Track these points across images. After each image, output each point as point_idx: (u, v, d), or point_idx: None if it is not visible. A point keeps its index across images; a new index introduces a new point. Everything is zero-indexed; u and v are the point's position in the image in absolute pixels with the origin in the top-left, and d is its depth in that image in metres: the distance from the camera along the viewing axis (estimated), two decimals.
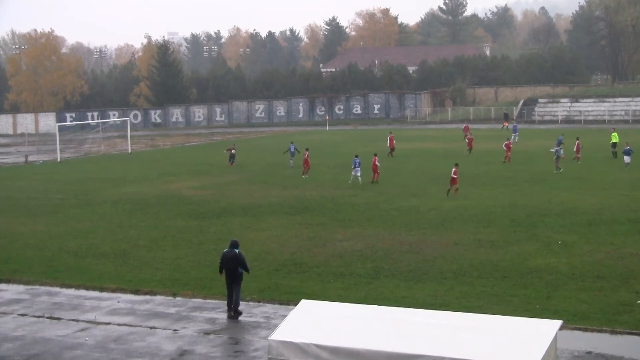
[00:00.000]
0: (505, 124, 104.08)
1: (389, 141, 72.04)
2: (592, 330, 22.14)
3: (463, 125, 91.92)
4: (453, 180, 46.32)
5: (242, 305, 25.74)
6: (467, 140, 71.63)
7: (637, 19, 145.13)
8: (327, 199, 47.28)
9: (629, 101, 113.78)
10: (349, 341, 15.17)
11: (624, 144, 58.68)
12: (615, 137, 64.80)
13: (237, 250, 24.76)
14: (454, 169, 46.52)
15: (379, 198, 46.92)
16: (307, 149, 60.29)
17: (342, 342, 15.19)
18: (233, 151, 68.52)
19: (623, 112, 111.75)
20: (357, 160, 53.50)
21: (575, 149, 60.94)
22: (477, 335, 15.01)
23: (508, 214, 40.02)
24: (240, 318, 24.45)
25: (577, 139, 62.40)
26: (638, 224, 36.60)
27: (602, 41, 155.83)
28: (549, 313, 22.78)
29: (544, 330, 15.19)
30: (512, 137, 78.63)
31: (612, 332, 22.01)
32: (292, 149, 65.48)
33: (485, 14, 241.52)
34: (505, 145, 62.78)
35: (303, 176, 57.67)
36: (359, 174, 53.18)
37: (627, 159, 56.64)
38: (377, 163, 54.09)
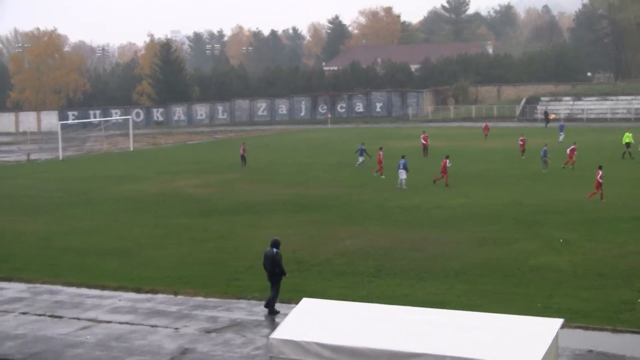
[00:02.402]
0: (552, 116, 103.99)
1: (422, 140, 70.06)
2: (594, 329, 22.11)
3: (483, 124, 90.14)
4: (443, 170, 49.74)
5: (244, 304, 25.75)
6: (520, 143, 66.09)
7: None
8: (330, 197, 47.29)
9: (632, 99, 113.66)
10: (350, 340, 15.15)
11: None
12: (628, 137, 63.85)
13: (275, 250, 24.65)
14: (444, 160, 49.83)
15: (382, 196, 46.91)
16: (380, 148, 58.00)
17: (343, 340, 15.17)
18: (243, 152, 67.19)
19: (625, 110, 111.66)
20: (403, 161, 50.15)
21: (569, 153, 57.74)
22: (478, 334, 14.98)
23: (510, 212, 40.00)
24: (242, 316, 24.42)
25: (575, 143, 59.18)
26: (638, 221, 36.56)
27: (605, 39, 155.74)
28: (550, 311, 22.75)
29: (546, 328, 15.16)
30: (559, 136, 78.07)
31: (614, 331, 21.98)
32: (362, 149, 62.28)
33: (488, 12, 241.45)
34: (570, 150, 57.77)
35: (377, 174, 55.47)
36: (404, 176, 49.86)
37: None
38: (381, 158, 55.24)
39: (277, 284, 24.56)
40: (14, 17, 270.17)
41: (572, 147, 57.35)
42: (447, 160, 50.36)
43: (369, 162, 60.23)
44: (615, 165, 57.73)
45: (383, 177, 54.61)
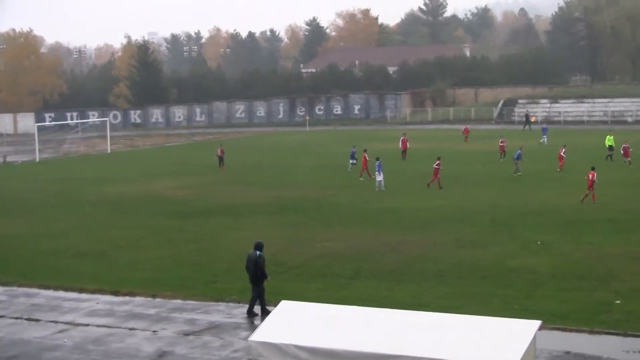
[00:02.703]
0: (533, 118, 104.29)
1: (401, 143, 69.27)
2: (571, 330, 22.21)
3: (463, 127, 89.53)
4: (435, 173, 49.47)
5: (222, 306, 25.72)
6: (500, 145, 66.03)
7: (616, 20, 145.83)
8: (309, 199, 47.29)
9: (608, 102, 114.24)
10: (329, 342, 15.16)
11: None
12: (610, 140, 63.72)
13: (258, 253, 24.63)
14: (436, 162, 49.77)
15: (360, 198, 46.95)
16: (365, 150, 57.45)
17: (321, 342, 15.17)
18: (220, 153, 67.27)
19: (602, 113, 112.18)
20: (378, 163, 50.39)
21: (558, 157, 57.99)
22: (457, 336, 15.02)
23: (488, 214, 40.12)
24: (220, 319, 24.38)
25: (564, 146, 58.95)
26: (617, 223, 36.79)
27: (581, 42, 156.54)
28: (528, 313, 22.82)
29: (523, 330, 15.22)
30: (543, 139, 78.02)
31: (591, 332, 22.09)
32: (353, 152, 61.08)
33: (466, 14, 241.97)
34: (561, 153, 57.97)
35: (360, 178, 55.24)
36: (380, 178, 49.76)
37: None
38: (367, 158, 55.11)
39: (260, 286, 24.49)
40: None
41: (562, 149, 57.65)
42: (439, 162, 50.30)
43: (391, 161, 60.51)
44: (589, 167, 57.89)
45: (361, 179, 54.65)
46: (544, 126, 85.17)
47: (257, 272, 24.40)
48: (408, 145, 69.13)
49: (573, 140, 72.03)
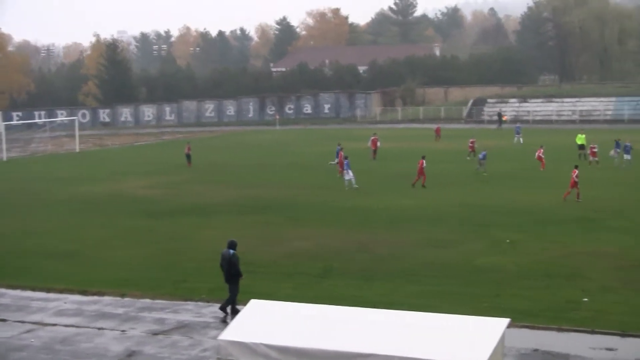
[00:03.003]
0: (505, 117, 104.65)
1: (371, 142, 68.91)
2: (539, 328, 22.35)
3: (435, 127, 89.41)
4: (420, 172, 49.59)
5: (191, 305, 25.64)
6: (470, 145, 66.34)
7: (584, 21, 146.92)
8: (278, 198, 47.25)
9: (576, 101, 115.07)
10: (299, 340, 15.15)
11: (626, 141, 58.88)
12: (581, 139, 63.88)
13: (232, 252, 24.51)
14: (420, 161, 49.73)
15: (331, 197, 46.97)
16: (341, 149, 58.37)
17: (291, 341, 15.16)
18: (188, 151, 68.00)
19: (570, 112, 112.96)
20: (346, 162, 50.79)
21: (537, 157, 58.13)
22: (426, 334, 15.06)
23: (458, 213, 40.29)
24: (189, 318, 24.30)
25: (542, 146, 58.99)
26: (585, 222, 37.08)
27: (549, 42, 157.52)
28: (497, 311, 22.91)
29: (492, 328, 15.29)
30: (517, 139, 78.05)
31: (559, 330, 22.24)
32: (339, 149, 60.09)
33: (435, 14, 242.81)
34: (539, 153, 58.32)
35: (338, 176, 55.07)
36: (350, 176, 49.84)
37: (627, 156, 57.48)
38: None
39: (235, 285, 24.42)
40: None
41: (540, 150, 57.85)
42: (424, 161, 50.19)
43: (362, 160, 60.46)
44: (563, 166, 58.35)
45: (339, 176, 54.83)
46: (517, 125, 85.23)
47: (231, 270, 24.33)
48: (379, 145, 68.91)
49: (543, 140, 72.29)
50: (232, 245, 24.68)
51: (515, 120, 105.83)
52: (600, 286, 26.23)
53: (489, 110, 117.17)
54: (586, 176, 52.86)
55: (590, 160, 57.88)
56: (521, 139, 77.60)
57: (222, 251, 24.89)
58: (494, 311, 22.88)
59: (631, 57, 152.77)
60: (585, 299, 24.76)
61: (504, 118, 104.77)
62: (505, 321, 15.67)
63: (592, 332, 21.95)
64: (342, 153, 55.93)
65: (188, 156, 67.22)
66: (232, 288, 24.33)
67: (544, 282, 26.88)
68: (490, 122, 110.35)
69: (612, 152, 57.37)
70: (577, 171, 43.58)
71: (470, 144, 65.89)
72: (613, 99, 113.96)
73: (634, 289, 25.79)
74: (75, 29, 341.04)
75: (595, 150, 58.68)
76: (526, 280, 27.28)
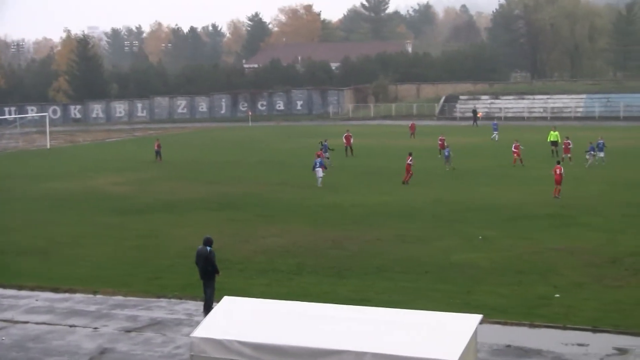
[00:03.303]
0: (480, 114, 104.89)
1: (345, 139, 68.23)
2: (512, 324, 22.47)
3: (410, 123, 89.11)
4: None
5: (164, 302, 25.56)
6: (439, 142, 65.92)
7: (555, 18, 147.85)
8: (250, 195, 47.20)
9: (547, 98, 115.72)
10: (272, 337, 15.14)
11: (599, 138, 59.15)
12: (554, 136, 63.90)
13: (209, 248, 24.24)
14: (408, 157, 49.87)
15: (303, 194, 46.98)
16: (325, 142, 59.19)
17: (264, 338, 15.15)
18: (157, 148, 68.26)
19: (542, 109, 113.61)
20: (319, 160, 50.74)
21: (514, 151, 58.43)
22: (399, 330, 15.09)
23: (430, 210, 40.42)
24: (162, 315, 24.22)
25: (516, 140, 59.55)
26: (557, 218, 37.30)
27: (521, 39, 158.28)
28: (469, 307, 23.03)
29: (465, 324, 15.35)
30: (494, 135, 78.16)
31: (531, 326, 22.36)
32: (326, 145, 59.92)
33: (408, 11, 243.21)
34: (515, 147, 58.63)
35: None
36: (321, 174, 49.92)
37: (601, 154, 57.65)
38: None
39: (211, 282, 24.24)
40: None
41: (515, 144, 58.14)
42: (411, 158, 50.31)
43: (335, 156, 60.34)
44: (534, 163, 58.70)
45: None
46: (494, 122, 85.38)
47: (207, 267, 24.15)
48: (352, 141, 68.79)
49: (516, 136, 72.52)
50: (208, 242, 24.48)
51: (489, 117, 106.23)
52: (572, 282, 26.41)
53: (461, 107, 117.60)
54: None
55: (563, 157, 58.06)
56: (497, 137, 77.90)
57: (198, 248, 24.66)
58: (466, 307, 22.99)
59: (601, 54, 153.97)
60: (557, 295, 24.91)
61: (479, 115, 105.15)
62: (477, 317, 15.74)
63: (564, 328, 22.08)
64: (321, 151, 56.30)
65: (157, 152, 67.87)
66: (209, 285, 24.14)
67: (517, 279, 27.02)
68: (462, 118, 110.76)
69: (587, 156, 57.19)
70: (561, 167, 43.97)
71: (440, 141, 66.08)
72: (584, 96, 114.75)
73: (606, 285, 25.99)
74: (46, 24, 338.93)
75: (570, 147, 58.77)
76: (499, 276, 27.41)
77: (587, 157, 57.00)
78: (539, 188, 46.46)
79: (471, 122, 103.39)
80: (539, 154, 62.29)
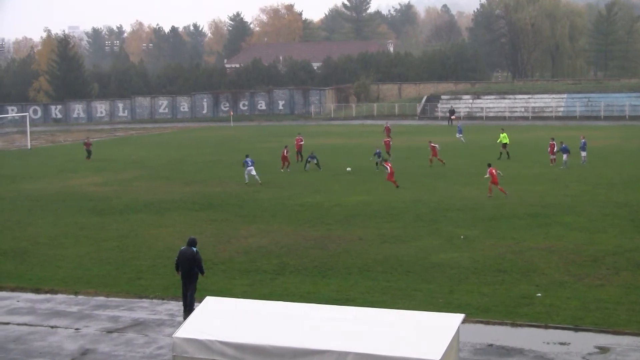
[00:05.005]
0: (453, 117, 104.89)
1: (295, 143, 65.71)
2: (494, 323, 22.53)
3: (384, 125, 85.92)
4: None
5: (146, 303, 25.49)
6: (385, 142, 65.82)
7: (536, 18, 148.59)
8: (231, 195, 47.14)
9: (528, 98, 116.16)
10: (254, 337, 15.13)
11: (581, 137, 59.09)
12: (505, 138, 63.28)
13: (194, 249, 24.06)
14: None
15: (283, 194, 46.96)
16: (286, 146, 59.22)
17: (247, 338, 15.14)
18: (87, 147, 70.35)
19: (523, 109, 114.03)
20: (249, 160, 51.89)
21: (432, 149, 59.04)
22: (381, 330, 15.11)
23: (411, 210, 40.45)
24: (144, 315, 24.15)
25: (428, 143, 60.15)
26: (537, 218, 37.39)
27: (502, 39, 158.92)
28: (451, 307, 23.09)
29: (447, 324, 15.38)
30: (459, 137, 77.64)
31: (513, 325, 22.43)
32: (250, 163, 53.32)
33: (389, 10, 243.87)
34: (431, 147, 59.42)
35: (281, 170, 57.22)
36: (254, 172, 51.39)
37: (583, 154, 57.49)
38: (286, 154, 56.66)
39: (194, 283, 24.11)
40: None
41: (430, 145, 58.45)
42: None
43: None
44: (512, 163, 58.92)
45: (282, 170, 56.63)
46: (459, 124, 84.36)
47: (193, 269, 23.98)
48: (302, 144, 65.08)
49: (490, 137, 72.74)
50: (193, 242, 24.28)
51: (471, 117, 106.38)
52: (554, 281, 26.50)
53: (443, 107, 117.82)
54: (536, 172, 53.52)
55: (552, 158, 57.50)
56: (462, 138, 77.48)
57: (181, 249, 24.45)
58: (448, 307, 23.06)
59: (582, 54, 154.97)
60: (539, 294, 24.99)
61: (453, 118, 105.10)
62: (460, 317, 15.78)
63: (546, 327, 22.17)
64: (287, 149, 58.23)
65: (88, 151, 69.86)
66: (191, 286, 24.00)
67: (498, 278, 27.08)
68: (444, 118, 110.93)
69: (564, 157, 56.68)
70: (494, 169, 44.52)
71: (385, 142, 65.27)
72: (564, 95, 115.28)
73: (587, 284, 26.08)
74: (26, 24, 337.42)
75: (555, 149, 57.90)
76: (480, 275, 27.47)
77: (564, 158, 56.30)
78: (516, 187, 46.58)
79: (448, 122, 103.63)
80: (517, 155, 62.51)
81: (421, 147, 66.68)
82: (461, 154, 64.88)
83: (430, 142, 60.09)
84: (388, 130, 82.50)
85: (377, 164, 56.39)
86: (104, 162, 67.61)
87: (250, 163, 51.70)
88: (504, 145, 63.06)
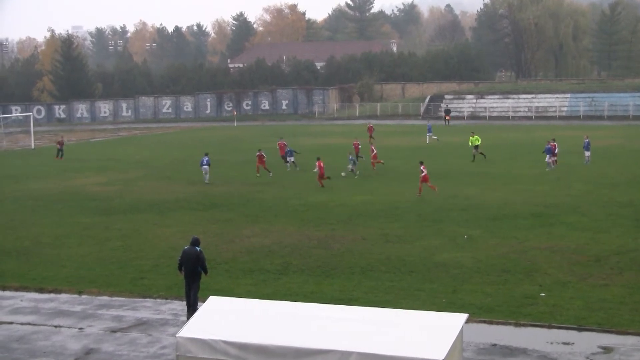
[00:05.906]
0: (448, 117, 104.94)
1: (279, 148, 63.89)
2: (497, 323, 22.51)
3: (367, 125, 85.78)
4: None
5: (150, 302, 25.50)
6: (354, 144, 63.15)
7: (539, 17, 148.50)
8: (234, 195, 47.14)
9: (532, 98, 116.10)
10: (258, 337, 15.14)
11: (585, 137, 58.85)
12: (476, 140, 62.21)
13: (198, 249, 23.99)
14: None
15: (287, 194, 46.96)
16: (260, 150, 57.60)
17: (250, 338, 15.14)
18: (59, 146, 71.34)
19: (526, 109, 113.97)
20: (206, 158, 53.18)
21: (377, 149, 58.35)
22: (385, 330, 15.11)
23: (414, 209, 40.43)
24: (148, 315, 24.16)
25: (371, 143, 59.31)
26: (540, 217, 37.36)
27: (505, 39, 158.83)
28: (455, 307, 23.07)
29: (450, 323, 15.38)
30: (427, 137, 77.49)
31: (517, 325, 22.41)
32: (205, 162, 53.98)
33: (392, 10, 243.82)
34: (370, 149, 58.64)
35: (257, 174, 55.91)
36: (206, 172, 52.87)
37: (587, 153, 57.40)
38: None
39: (197, 283, 24.06)
40: None
41: (372, 149, 57.83)
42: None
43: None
44: (514, 162, 58.88)
45: (258, 174, 55.66)
46: (429, 124, 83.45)
47: (197, 268, 23.92)
48: (287, 149, 61.98)
49: (493, 136, 72.91)
50: (196, 242, 24.22)
51: (475, 116, 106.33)
52: (557, 281, 26.47)
53: (444, 106, 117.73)
54: (537, 172, 53.44)
55: (554, 159, 56.98)
56: (432, 137, 77.17)
57: (184, 248, 24.36)
58: (452, 307, 23.04)
59: (585, 54, 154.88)
60: (543, 294, 24.96)
61: (447, 118, 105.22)
62: (463, 316, 15.77)
63: (550, 327, 22.15)
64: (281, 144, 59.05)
65: (59, 150, 70.94)
66: (194, 286, 23.94)
67: (502, 278, 27.06)
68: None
69: (547, 159, 55.78)
70: (424, 167, 45.28)
71: (355, 144, 63.44)
72: (568, 95, 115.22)
73: (591, 284, 26.05)
74: (30, 24, 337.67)
75: (556, 150, 57.23)
76: (484, 275, 27.45)
77: (547, 159, 55.49)
78: (519, 187, 46.60)
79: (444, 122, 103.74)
80: (519, 154, 62.48)
81: (422, 147, 66.59)
82: (462, 154, 64.74)
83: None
84: (371, 129, 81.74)
85: (352, 170, 54.97)
86: (107, 162, 67.65)
87: (205, 162, 52.90)
88: (476, 147, 62.10)
